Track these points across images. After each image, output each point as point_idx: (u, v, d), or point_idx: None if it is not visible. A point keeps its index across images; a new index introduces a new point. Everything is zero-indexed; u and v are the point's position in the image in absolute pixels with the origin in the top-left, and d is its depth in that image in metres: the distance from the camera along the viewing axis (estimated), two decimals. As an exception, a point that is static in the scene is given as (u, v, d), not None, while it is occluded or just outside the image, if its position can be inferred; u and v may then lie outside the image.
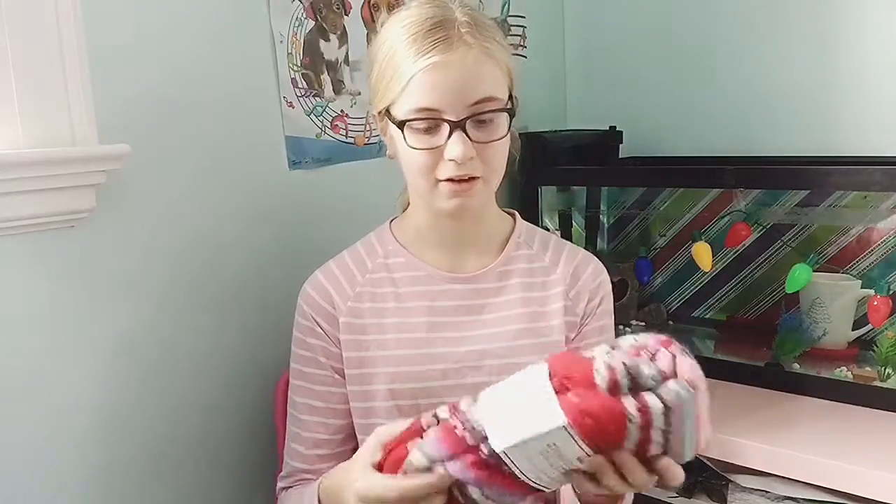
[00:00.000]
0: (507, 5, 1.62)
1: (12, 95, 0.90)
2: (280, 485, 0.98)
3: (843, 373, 1.26)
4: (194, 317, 1.11)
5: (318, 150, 1.26)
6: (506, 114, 0.88)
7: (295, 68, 1.22)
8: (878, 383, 1.23)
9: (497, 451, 0.67)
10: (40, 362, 0.96)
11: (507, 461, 0.68)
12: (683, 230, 1.59)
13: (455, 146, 0.84)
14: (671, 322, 1.62)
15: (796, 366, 1.32)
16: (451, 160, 0.85)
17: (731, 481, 1.16)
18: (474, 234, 0.97)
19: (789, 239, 1.46)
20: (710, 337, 1.55)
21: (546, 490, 0.71)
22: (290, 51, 1.21)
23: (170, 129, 1.07)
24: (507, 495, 0.70)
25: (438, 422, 0.73)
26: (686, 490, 1.19)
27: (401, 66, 0.86)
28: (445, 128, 0.85)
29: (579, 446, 0.65)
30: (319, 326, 0.95)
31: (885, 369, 1.23)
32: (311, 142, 1.25)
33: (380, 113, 0.91)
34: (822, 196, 1.41)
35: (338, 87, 1.28)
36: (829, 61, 1.45)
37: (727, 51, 1.56)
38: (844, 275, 1.38)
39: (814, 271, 1.31)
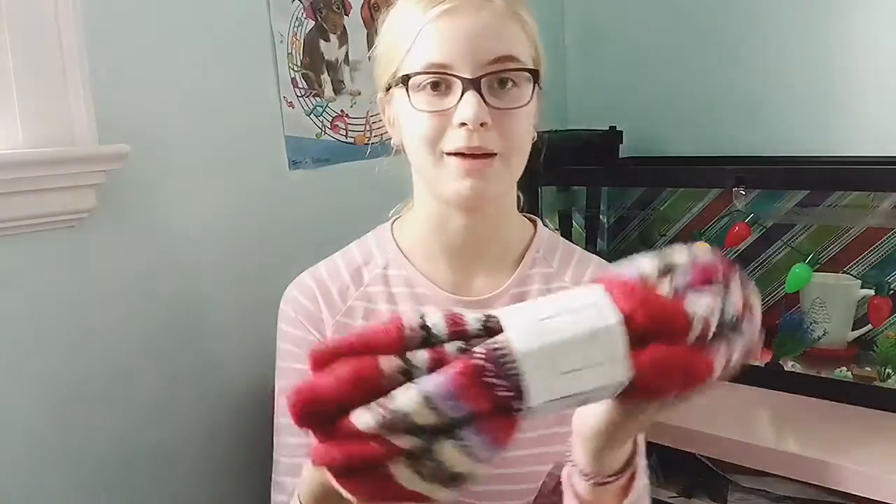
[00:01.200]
0: (507, 5, 1.62)
1: (12, 95, 0.90)
2: None
3: (843, 373, 1.26)
4: (193, 316, 1.11)
5: (318, 150, 1.26)
6: (530, 80, 0.76)
7: (295, 68, 1.22)
8: (878, 383, 1.23)
9: (532, 405, 0.49)
10: (40, 361, 0.96)
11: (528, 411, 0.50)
12: (683, 230, 1.59)
13: (467, 106, 0.72)
14: (671, 322, 1.62)
15: (796, 366, 1.32)
16: (461, 124, 0.73)
17: (731, 481, 1.16)
18: (488, 244, 0.84)
19: (789, 239, 1.46)
20: (710, 337, 1.55)
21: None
22: (290, 51, 1.21)
23: (170, 129, 1.07)
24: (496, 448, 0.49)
25: (428, 340, 0.50)
26: (686, 490, 1.19)
27: (408, 24, 0.75)
28: (457, 87, 0.73)
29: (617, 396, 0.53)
30: (311, 334, 0.84)
31: (885, 369, 1.23)
32: (311, 142, 1.25)
33: (387, 89, 0.80)
34: (822, 196, 1.40)
35: (338, 87, 1.28)
36: (828, 61, 1.44)
37: (727, 51, 1.56)
38: (844, 275, 1.38)
39: (814, 271, 1.30)
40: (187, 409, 1.11)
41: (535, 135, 0.82)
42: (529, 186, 1.51)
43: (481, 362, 0.47)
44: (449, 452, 0.47)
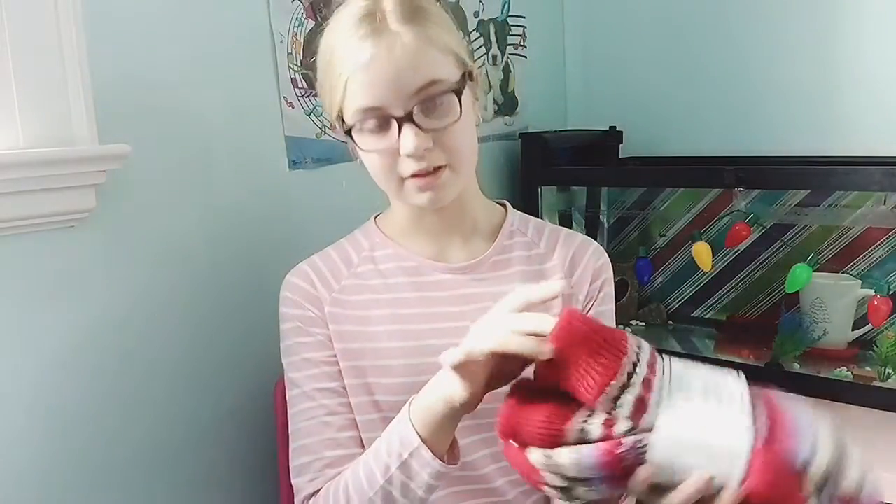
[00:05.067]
0: (507, 5, 1.62)
1: (12, 95, 0.90)
2: (307, 490, 0.87)
3: (843, 373, 1.26)
4: (194, 317, 1.11)
5: (318, 150, 1.26)
6: (455, 95, 0.82)
7: (295, 68, 1.22)
8: (878, 383, 1.23)
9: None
10: (39, 362, 0.96)
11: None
12: (683, 230, 1.59)
13: (407, 141, 0.80)
14: (671, 322, 1.62)
15: (796, 366, 1.32)
16: (407, 156, 0.82)
17: (731, 481, 1.16)
18: (458, 222, 0.94)
19: (789, 239, 1.46)
20: (710, 337, 1.55)
21: None
22: (290, 51, 1.21)
23: (170, 129, 1.07)
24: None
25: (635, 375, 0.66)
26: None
27: (336, 71, 0.83)
28: (394, 123, 0.81)
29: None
30: (311, 311, 0.91)
31: (885, 369, 1.23)
32: (311, 142, 1.25)
33: (338, 119, 0.87)
34: (822, 196, 1.41)
35: (338, 87, 1.28)
36: (828, 61, 1.45)
37: (727, 51, 1.56)
38: (844, 275, 1.38)
39: (814, 271, 1.31)
40: (186, 410, 1.11)
41: (479, 122, 0.90)
42: (529, 186, 1.53)
43: (624, 453, 0.65)
44: (583, 493, 0.67)
